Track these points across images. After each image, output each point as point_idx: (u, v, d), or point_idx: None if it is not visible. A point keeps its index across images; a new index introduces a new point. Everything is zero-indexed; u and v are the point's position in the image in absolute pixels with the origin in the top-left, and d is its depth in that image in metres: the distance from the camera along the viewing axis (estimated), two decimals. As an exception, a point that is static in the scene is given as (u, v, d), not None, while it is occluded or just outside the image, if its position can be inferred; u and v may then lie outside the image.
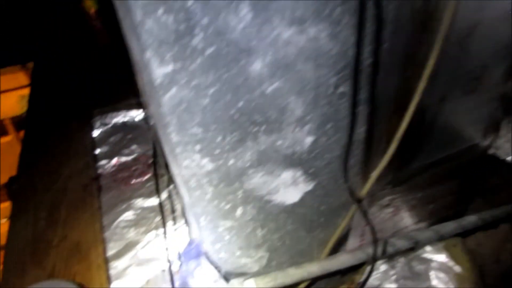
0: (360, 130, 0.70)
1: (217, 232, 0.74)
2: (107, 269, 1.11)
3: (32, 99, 1.84)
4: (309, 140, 0.67)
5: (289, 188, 0.74)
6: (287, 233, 0.83)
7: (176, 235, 1.20)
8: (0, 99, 2.09)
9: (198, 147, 0.59)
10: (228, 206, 0.70)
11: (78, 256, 1.11)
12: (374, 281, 1.06)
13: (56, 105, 1.76)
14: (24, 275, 1.06)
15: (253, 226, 0.77)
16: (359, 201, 0.70)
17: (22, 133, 1.93)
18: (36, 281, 1.03)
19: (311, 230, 0.86)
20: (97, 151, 1.54)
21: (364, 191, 0.71)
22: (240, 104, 0.57)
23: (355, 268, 1.07)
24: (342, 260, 0.84)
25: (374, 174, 0.67)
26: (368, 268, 1.05)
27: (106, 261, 1.15)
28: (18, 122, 2.16)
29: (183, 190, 0.68)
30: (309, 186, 0.76)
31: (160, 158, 1.44)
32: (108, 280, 1.09)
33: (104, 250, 1.16)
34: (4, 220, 2.00)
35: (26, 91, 2.01)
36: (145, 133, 1.61)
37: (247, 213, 0.74)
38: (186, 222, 1.23)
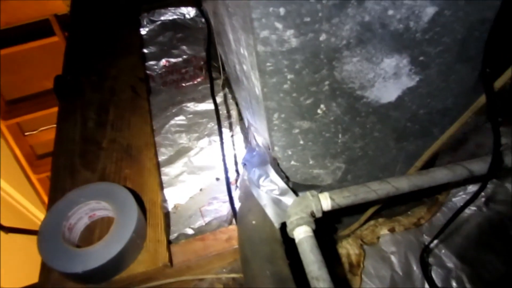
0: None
1: (291, 134, 0.61)
2: (158, 175, 1.03)
3: (75, -5, 1.70)
4: (430, 11, 0.48)
5: (388, 82, 0.57)
6: (372, 142, 0.68)
7: (232, 143, 1.09)
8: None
9: (282, 11, 0.43)
10: (309, 101, 0.55)
11: (129, 159, 1.03)
12: (460, 202, 0.91)
13: (102, 0, 1.61)
14: (74, 177, 1.01)
15: (334, 129, 0.62)
16: (493, 99, 0.52)
17: (67, 34, 1.82)
18: (87, 183, 0.97)
19: (400, 139, 0.71)
20: (145, 50, 1.41)
21: (501, 81, 0.53)
22: None
23: (437, 189, 0.92)
24: (438, 176, 0.69)
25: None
26: (455, 190, 0.90)
27: (158, 166, 1.07)
28: (65, 21, 2.05)
29: (254, 78, 0.53)
30: (412, 81, 0.58)
31: (214, 60, 1.29)
32: (160, 186, 1.01)
33: (156, 155, 1.08)
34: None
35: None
36: (197, 32, 1.45)
37: (330, 112, 0.58)
38: (243, 129, 1.11)
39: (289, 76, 0.50)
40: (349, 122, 0.61)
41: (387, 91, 0.58)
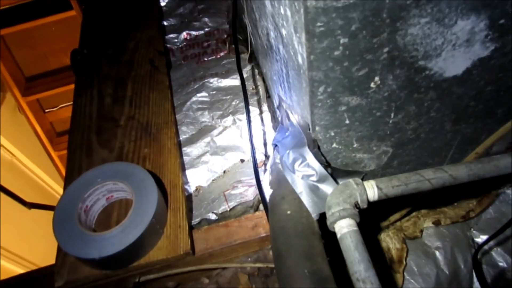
0: None
1: (336, 112, 0.52)
2: (179, 155, 0.96)
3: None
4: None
5: (458, 51, 0.47)
6: (427, 123, 0.59)
7: (259, 121, 1.01)
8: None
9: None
10: (362, 73, 0.46)
11: (148, 138, 0.96)
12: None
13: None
14: (91, 155, 0.94)
15: (387, 107, 0.53)
16: None
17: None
18: (104, 162, 0.91)
19: (459, 121, 0.61)
20: (165, 23, 1.32)
21: None
22: None
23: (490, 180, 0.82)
24: (502, 164, 0.59)
25: None
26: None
27: (179, 146, 1.00)
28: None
29: (297, 43, 0.44)
30: (486, 50, 0.49)
31: (239, 32, 1.20)
32: (181, 167, 0.94)
33: (176, 134, 1.01)
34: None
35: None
36: (219, 4, 1.35)
37: (385, 86, 0.49)
38: (270, 107, 1.03)
39: (342, 40, 0.41)
40: (405, 99, 0.52)
41: (454, 62, 0.49)
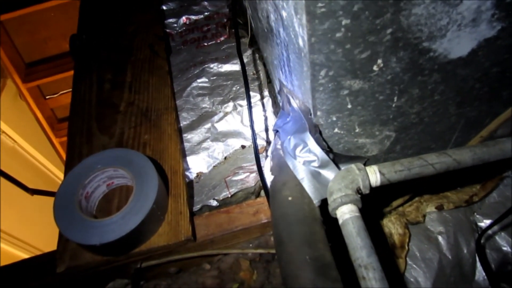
0: None
1: (338, 96, 0.50)
2: (180, 142, 0.95)
3: None
4: None
5: (463, 31, 0.46)
6: (430, 106, 0.58)
7: (260, 107, 0.99)
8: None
9: None
10: (364, 55, 0.45)
11: (148, 124, 0.95)
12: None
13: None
14: (91, 141, 0.94)
15: (390, 91, 0.52)
16: None
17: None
18: (104, 148, 0.90)
19: (463, 104, 0.60)
20: (164, 7, 1.30)
21: None
22: None
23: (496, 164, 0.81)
24: (507, 148, 0.58)
25: None
26: None
27: (179, 132, 0.99)
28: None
29: (297, 25, 0.43)
30: (492, 30, 0.47)
31: (239, 16, 1.18)
32: (182, 153, 0.94)
33: (177, 120, 1.00)
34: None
35: None
36: (219, -14, 1.33)
37: (388, 69, 0.48)
38: (271, 92, 1.01)
39: (344, 22, 0.40)
40: (408, 82, 0.51)
41: (459, 43, 0.47)
